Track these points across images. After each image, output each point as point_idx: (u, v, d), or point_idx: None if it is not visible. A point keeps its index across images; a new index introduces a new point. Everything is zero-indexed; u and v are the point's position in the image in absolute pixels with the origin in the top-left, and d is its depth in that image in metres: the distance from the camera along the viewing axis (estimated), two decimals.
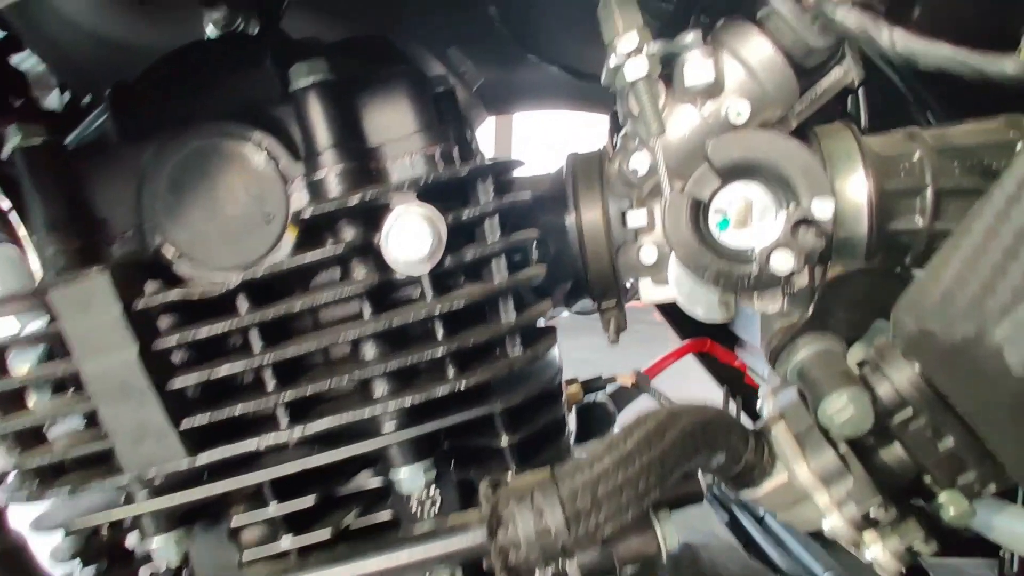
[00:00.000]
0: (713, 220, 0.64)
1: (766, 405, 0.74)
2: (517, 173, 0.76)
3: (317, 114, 0.62)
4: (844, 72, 0.68)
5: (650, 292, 0.83)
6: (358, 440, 0.63)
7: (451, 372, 0.63)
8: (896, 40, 0.45)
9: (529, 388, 0.65)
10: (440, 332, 0.63)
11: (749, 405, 1.36)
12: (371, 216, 0.63)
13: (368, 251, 0.63)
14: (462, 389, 0.62)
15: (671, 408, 0.62)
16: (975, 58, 0.43)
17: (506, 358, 0.64)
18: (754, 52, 0.63)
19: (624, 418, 1.24)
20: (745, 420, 0.67)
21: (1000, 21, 0.65)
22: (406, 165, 0.66)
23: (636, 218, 0.75)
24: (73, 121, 0.78)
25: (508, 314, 0.64)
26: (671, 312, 1.34)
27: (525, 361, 0.64)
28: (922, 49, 0.44)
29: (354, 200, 0.59)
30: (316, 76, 0.61)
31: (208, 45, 0.73)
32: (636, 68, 0.60)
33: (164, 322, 0.64)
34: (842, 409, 0.59)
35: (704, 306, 0.66)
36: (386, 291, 0.65)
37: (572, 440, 1.04)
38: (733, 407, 0.88)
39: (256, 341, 0.61)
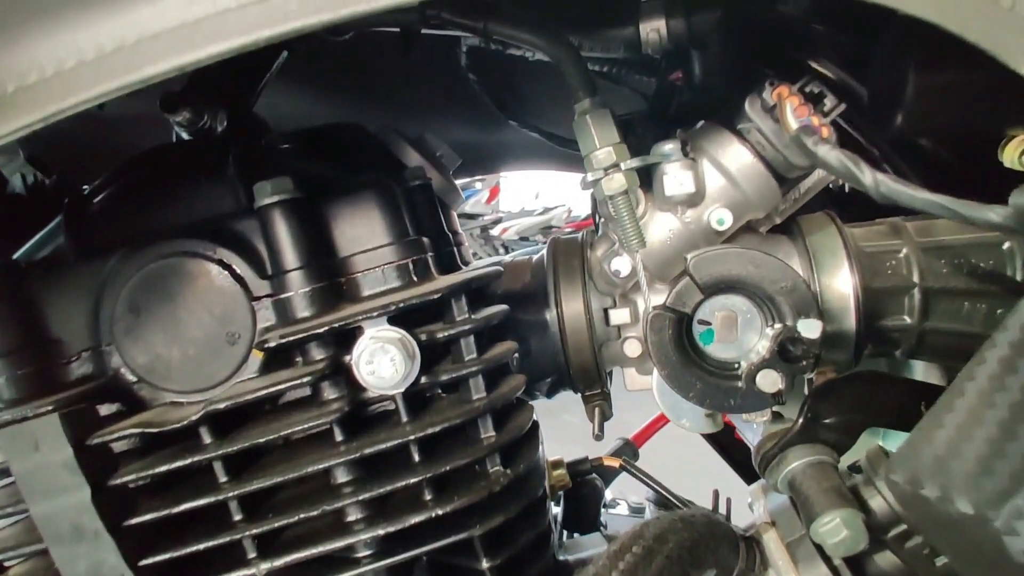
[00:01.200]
0: (697, 331, 0.61)
1: (756, 506, 0.71)
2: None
3: (283, 233, 0.60)
4: (825, 174, 0.67)
5: (636, 382, 0.81)
6: (331, 571, 0.60)
7: (428, 497, 0.60)
8: (879, 181, 0.43)
9: (509, 508, 0.62)
10: (416, 456, 0.60)
11: (737, 458, 1.34)
12: (342, 336, 0.60)
13: (340, 371, 0.60)
14: (440, 515, 0.59)
15: (658, 526, 0.59)
16: (959, 204, 0.41)
17: (486, 479, 0.61)
18: (734, 161, 0.61)
19: (614, 491, 1.21)
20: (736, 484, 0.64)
21: (981, 121, 0.64)
22: (378, 277, 0.64)
23: (619, 316, 0.73)
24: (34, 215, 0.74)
25: (487, 432, 0.62)
26: None
27: (506, 482, 0.61)
28: (906, 194, 0.43)
29: (321, 328, 0.57)
30: (281, 195, 0.59)
31: (167, 152, 0.71)
32: (613, 184, 0.58)
33: (122, 447, 0.61)
34: (835, 530, 0.56)
35: (690, 419, 0.63)
36: (359, 409, 0.62)
37: (559, 523, 1.01)
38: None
39: (221, 474, 0.58)
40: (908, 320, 0.68)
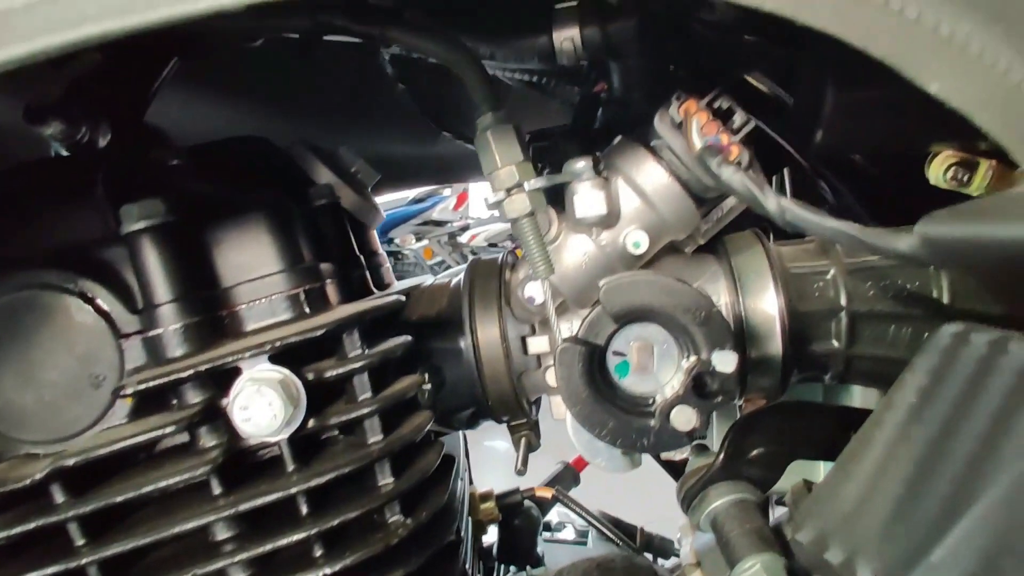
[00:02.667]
0: (612, 363, 0.57)
1: (684, 543, 0.67)
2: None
3: (152, 262, 0.53)
4: None
5: (563, 411, 0.77)
6: None
7: (318, 553, 0.54)
8: (785, 208, 0.40)
9: (411, 561, 0.57)
10: (304, 508, 0.54)
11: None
12: (221, 377, 0.54)
13: (217, 416, 0.54)
14: (331, 574, 0.53)
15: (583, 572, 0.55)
16: (866, 233, 0.38)
17: (383, 530, 0.56)
18: (649, 180, 0.57)
19: (560, 515, 1.16)
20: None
21: (904, 137, 0.62)
22: (264, 309, 0.58)
23: (537, 344, 0.68)
24: None
25: (385, 479, 0.56)
26: None
27: (406, 533, 0.56)
28: (812, 221, 0.39)
29: (189, 371, 0.50)
30: (150, 219, 0.53)
31: (28, 170, 0.63)
32: (517, 205, 0.53)
33: None
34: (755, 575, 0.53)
35: (606, 458, 0.59)
36: (241, 456, 0.56)
37: (495, 554, 0.96)
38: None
39: (77, 537, 0.51)
40: (836, 344, 0.65)
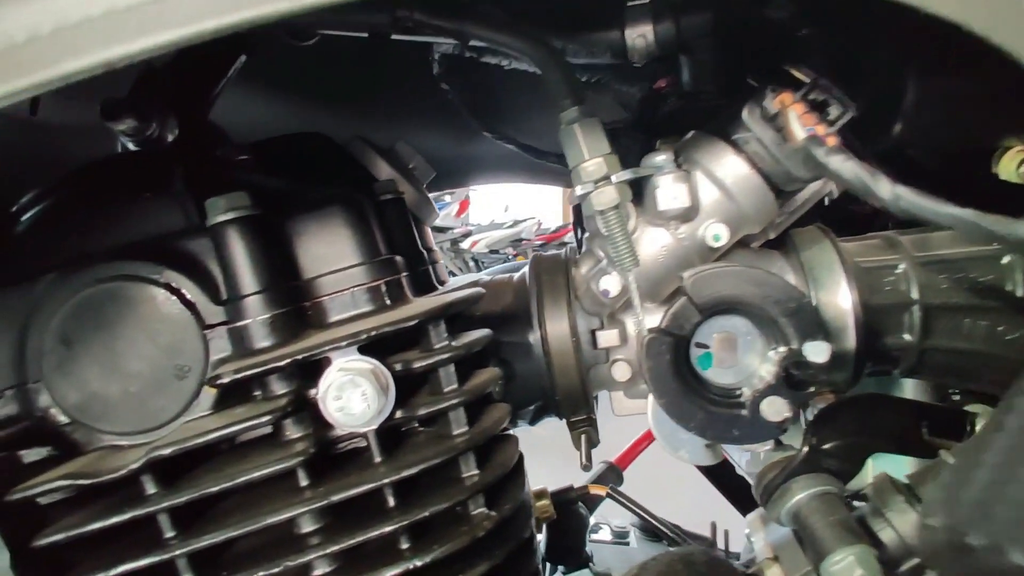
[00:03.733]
0: (694, 355, 0.57)
1: (756, 538, 0.67)
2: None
3: (239, 253, 0.53)
4: (824, 183, 0.63)
5: (625, 406, 0.76)
6: None
7: (405, 546, 0.54)
8: (899, 195, 0.40)
9: (495, 554, 0.56)
10: (391, 501, 0.54)
11: (726, 483, 1.30)
12: (307, 368, 0.54)
13: (304, 407, 0.54)
14: (418, 567, 0.53)
15: (656, 569, 0.54)
16: (986, 219, 0.38)
17: (469, 523, 0.56)
18: (730, 173, 0.57)
19: (596, 516, 1.15)
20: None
21: (977, 131, 0.62)
22: (347, 301, 0.58)
23: (608, 338, 0.68)
24: None
25: (470, 471, 0.56)
26: None
27: (491, 525, 0.56)
28: (929, 208, 0.39)
29: (283, 361, 0.50)
30: (236, 211, 0.53)
31: (107, 165, 0.64)
32: (604, 198, 0.53)
33: (52, 497, 0.53)
34: (847, 568, 0.52)
35: (688, 450, 0.59)
36: (326, 448, 0.56)
37: (543, 555, 0.96)
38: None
39: (167, 529, 0.51)
40: (908, 338, 0.65)
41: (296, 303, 0.56)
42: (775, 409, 0.52)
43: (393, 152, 0.81)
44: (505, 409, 0.61)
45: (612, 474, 1.08)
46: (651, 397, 0.60)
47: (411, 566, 0.52)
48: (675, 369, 0.54)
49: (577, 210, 1.03)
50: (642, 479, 1.28)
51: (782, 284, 0.51)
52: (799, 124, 0.48)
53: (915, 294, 0.64)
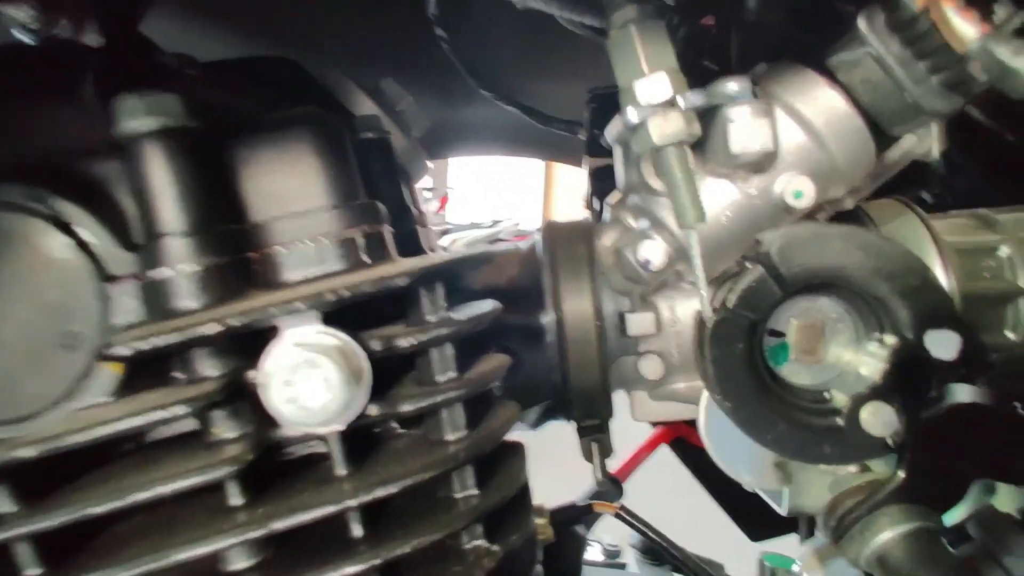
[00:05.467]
0: (765, 345, 0.44)
1: None
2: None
3: (161, 179, 0.38)
4: (918, 141, 0.51)
5: (647, 410, 0.63)
6: None
7: None
8: None
9: None
10: (358, 530, 0.39)
11: (732, 502, 1.17)
12: (249, 341, 0.39)
13: (242, 395, 0.39)
14: None
15: None
16: None
17: (463, 561, 0.41)
18: (823, 112, 0.44)
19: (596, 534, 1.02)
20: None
21: None
22: (309, 254, 0.43)
23: (641, 323, 0.54)
24: None
25: (467, 491, 0.42)
26: None
27: (493, 564, 0.41)
28: None
29: (214, 328, 0.35)
30: (161, 119, 0.38)
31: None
32: (668, 128, 0.40)
33: None
34: None
35: (754, 471, 0.45)
36: (270, 453, 0.41)
37: None
38: None
39: (29, 563, 0.35)
40: (1011, 336, 0.52)
41: (239, 253, 0.41)
42: (881, 420, 0.39)
43: (378, 90, 0.67)
44: (513, 409, 0.46)
45: (612, 487, 0.94)
46: (704, 400, 0.46)
47: None
48: (749, 363, 0.40)
49: (596, 176, 0.90)
50: (637, 491, 1.14)
51: (904, 254, 0.38)
52: (963, 21, 0.35)
53: (1022, 282, 0.52)
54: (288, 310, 0.36)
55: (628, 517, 0.75)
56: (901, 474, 0.45)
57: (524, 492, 0.47)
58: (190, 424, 0.41)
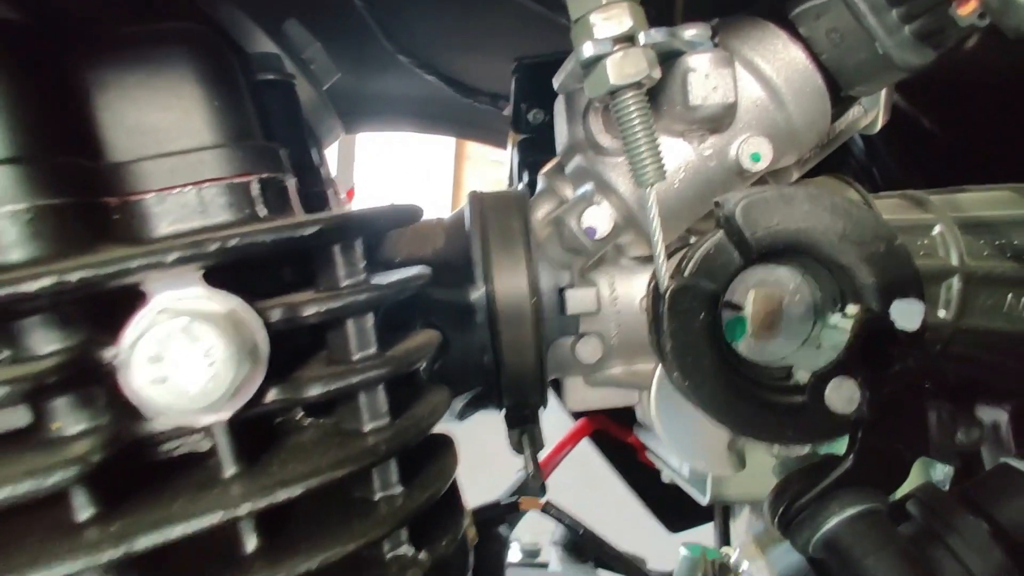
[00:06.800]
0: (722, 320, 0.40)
1: (756, 571, 0.51)
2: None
3: None
4: (864, 113, 0.49)
5: (581, 398, 0.58)
6: None
7: None
8: None
9: None
10: (251, 542, 0.31)
11: (642, 483, 1.16)
12: (103, 307, 0.30)
13: (94, 377, 0.30)
14: None
15: None
16: None
17: (383, 572, 0.34)
18: (784, 69, 0.41)
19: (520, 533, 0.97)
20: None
21: None
22: (189, 204, 0.34)
23: (581, 300, 0.49)
24: None
25: (389, 489, 0.35)
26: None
27: (419, 573, 0.34)
28: None
29: (47, 286, 0.26)
30: None
31: None
32: (628, 67, 0.35)
33: None
34: None
35: (707, 454, 0.42)
36: (132, 452, 0.32)
37: None
38: None
39: None
40: (943, 314, 0.52)
41: (89, 196, 0.32)
42: (844, 396, 0.36)
43: (281, 33, 0.57)
44: (444, 394, 0.40)
45: (533, 484, 0.89)
46: (656, 380, 0.41)
47: None
48: (710, 337, 0.36)
49: (522, 149, 0.85)
50: (568, 490, 1.10)
51: (870, 218, 0.36)
52: None
53: (955, 260, 0.52)
54: (153, 262, 0.27)
55: (556, 512, 0.71)
56: (854, 456, 0.43)
57: (454, 491, 0.41)
58: (22, 419, 0.31)
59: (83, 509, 0.29)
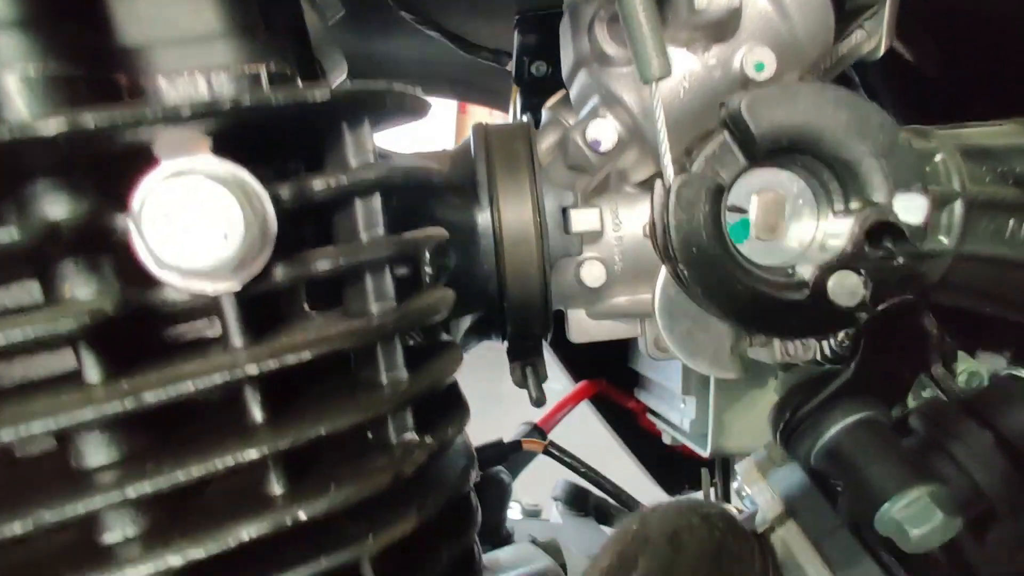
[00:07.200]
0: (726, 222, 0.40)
1: (756, 491, 0.52)
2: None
3: None
4: (867, 37, 0.50)
5: (586, 330, 0.59)
6: None
7: (276, 487, 0.32)
8: None
9: (427, 505, 0.36)
10: (256, 412, 0.31)
11: (642, 449, 1.16)
12: (110, 171, 0.30)
13: (104, 244, 0.30)
14: (300, 522, 0.31)
15: (663, 521, 0.37)
16: None
17: (388, 453, 0.34)
18: None
19: (523, 483, 0.97)
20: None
21: None
22: (197, 88, 0.34)
23: (585, 219, 0.50)
24: None
25: (395, 368, 0.35)
26: (564, 347, 1.11)
27: (424, 458, 0.35)
28: None
29: (62, 123, 0.26)
30: None
31: None
32: None
33: None
34: (922, 513, 0.38)
35: (710, 357, 0.42)
36: (139, 321, 0.32)
37: None
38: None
39: None
40: (944, 241, 0.53)
41: (102, 71, 0.32)
42: (847, 289, 0.37)
43: None
44: (447, 292, 0.40)
45: (536, 436, 0.90)
46: (661, 282, 0.42)
47: (286, 520, 0.30)
48: (714, 228, 0.36)
49: (527, 92, 0.85)
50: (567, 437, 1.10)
51: (875, 110, 0.36)
52: None
53: (957, 186, 0.53)
54: (169, 114, 0.28)
55: (557, 453, 0.71)
56: (855, 364, 0.43)
57: (456, 389, 0.41)
58: (28, 293, 0.32)
59: (92, 369, 0.30)
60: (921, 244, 0.37)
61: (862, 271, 0.37)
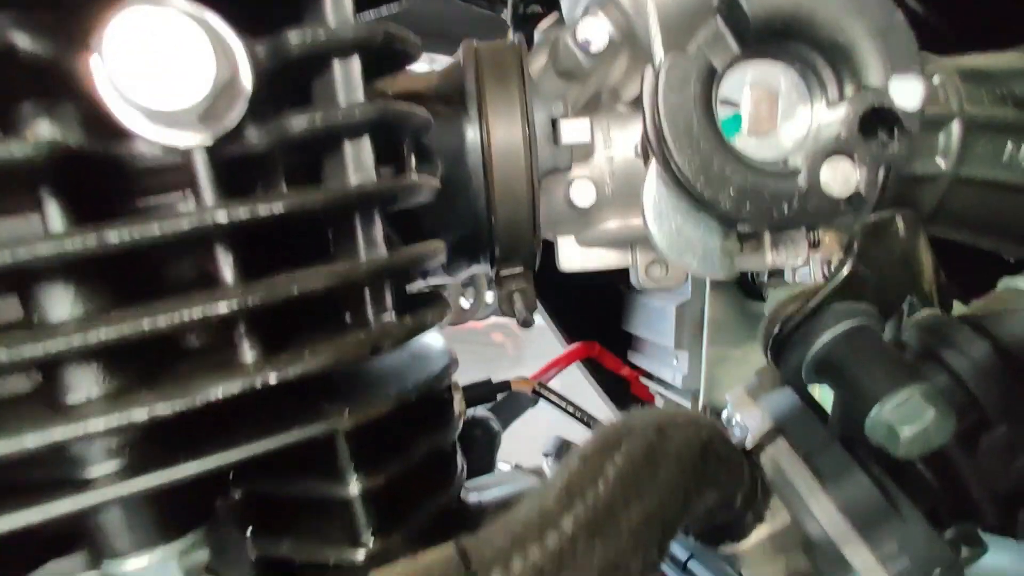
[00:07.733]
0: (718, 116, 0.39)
1: (744, 415, 0.51)
2: None
3: None
4: None
5: (575, 258, 0.58)
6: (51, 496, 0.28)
7: (247, 353, 0.31)
8: None
9: (402, 387, 0.35)
10: (227, 269, 0.30)
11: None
12: (73, 14, 0.29)
13: (64, 87, 0.29)
14: (268, 385, 0.30)
15: (648, 417, 0.36)
16: None
17: (365, 324, 0.33)
18: None
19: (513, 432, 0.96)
20: None
21: None
22: None
23: (576, 130, 0.49)
24: None
25: (374, 249, 0.34)
26: (558, 309, 1.11)
27: (403, 333, 0.34)
28: None
29: None
30: None
31: None
32: None
33: None
34: (914, 412, 0.37)
35: (700, 254, 0.41)
36: (104, 178, 0.31)
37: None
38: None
39: None
40: (942, 164, 0.52)
41: None
42: (840, 176, 0.36)
43: None
44: (432, 176, 0.39)
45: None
46: (650, 178, 0.41)
47: (256, 383, 0.29)
48: (705, 112, 0.35)
49: (518, 25, 0.84)
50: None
51: None
52: None
53: (954, 107, 0.52)
54: None
55: (547, 393, 0.70)
56: (846, 268, 0.43)
57: (438, 292, 0.40)
58: None
59: (56, 217, 0.28)
60: (916, 129, 0.35)
61: (855, 156, 0.36)
